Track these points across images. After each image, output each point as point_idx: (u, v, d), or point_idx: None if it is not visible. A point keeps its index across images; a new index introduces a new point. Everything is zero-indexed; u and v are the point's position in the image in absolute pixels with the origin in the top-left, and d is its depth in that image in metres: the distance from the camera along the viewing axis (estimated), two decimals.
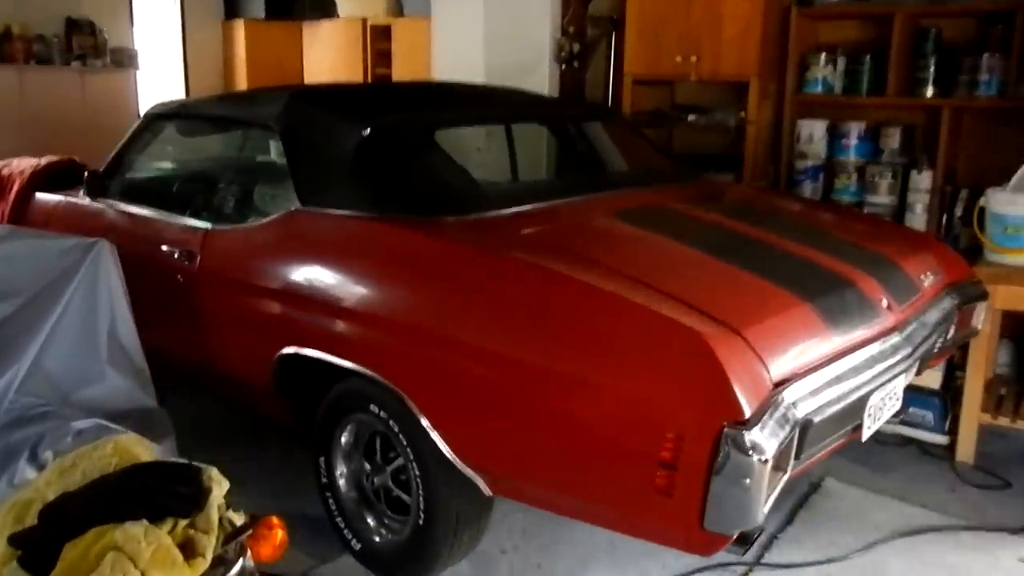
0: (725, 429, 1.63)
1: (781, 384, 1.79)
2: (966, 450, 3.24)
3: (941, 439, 3.37)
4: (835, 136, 4.11)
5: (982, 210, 3.27)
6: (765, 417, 1.68)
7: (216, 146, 3.30)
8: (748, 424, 1.63)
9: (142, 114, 3.34)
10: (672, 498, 1.70)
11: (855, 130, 4.06)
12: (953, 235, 3.69)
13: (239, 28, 6.34)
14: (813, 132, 4.13)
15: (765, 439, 1.64)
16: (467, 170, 2.52)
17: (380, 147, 2.49)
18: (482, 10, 4.70)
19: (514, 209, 2.40)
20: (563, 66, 4.85)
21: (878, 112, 4.07)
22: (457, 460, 2.07)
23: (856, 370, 2.02)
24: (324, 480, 2.51)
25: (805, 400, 1.83)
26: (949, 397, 3.35)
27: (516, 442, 1.98)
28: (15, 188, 3.79)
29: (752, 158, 4.14)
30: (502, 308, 2.02)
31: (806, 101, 4.15)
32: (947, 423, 3.37)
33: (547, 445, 1.93)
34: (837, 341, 2.01)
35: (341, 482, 2.48)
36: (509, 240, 2.22)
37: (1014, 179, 3.26)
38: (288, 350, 2.42)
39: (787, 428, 1.72)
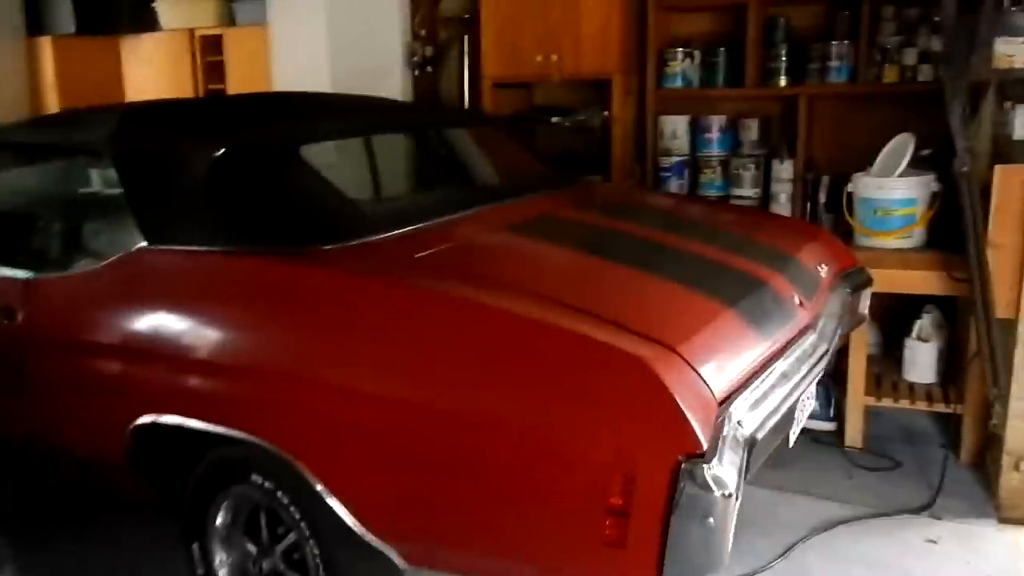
0: (682, 464, 1.46)
1: (723, 403, 1.64)
2: (854, 435, 3.29)
3: (829, 426, 3.41)
4: (697, 130, 4.12)
5: (850, 195, 3.32)
6: (720, 444, 1.52)
7: (31, 180, 2.81)
8: (706, 455, 1.47)
9: None
10: (626, 549, 1.51)
11: (716, 123, 4.08)
12: (817, 222, 3.75)
13: (46, 46, 5.63)
14: (676, 127, 4.12)
15: (725, 470, 1.49)
16: (340, 190, 2.23)
17: (237, 169, 2.16)
18: (325, 15, 4.39)
19: (397, 231, 2.14)
20: (416, 71, 4.62)
21: (737, 104, 4.11)
22: (363, 530, 1.79)
23: (786, 376, 1.92)
24: (200, 572, 2.14)
25: (747, 416, 1.69)
26: (831, 383, 3.39)
27: (431, 503, 1.73)
28: None
29: (620, 157, 4.06)
30: (401, 346, 1.76)
31: (667, 96, 4.12)
32: (831, 409, 3.41)
33: (468, 503, 1.69)
34: (764, 347, 1.90)
35: (222, 573, 2.13)
36: (400, 266, 1.96)
37: (877, 162, 3.33)
38: (143, 420, 2.05)
39: (740, 452, 1.58)
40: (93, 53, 5.74)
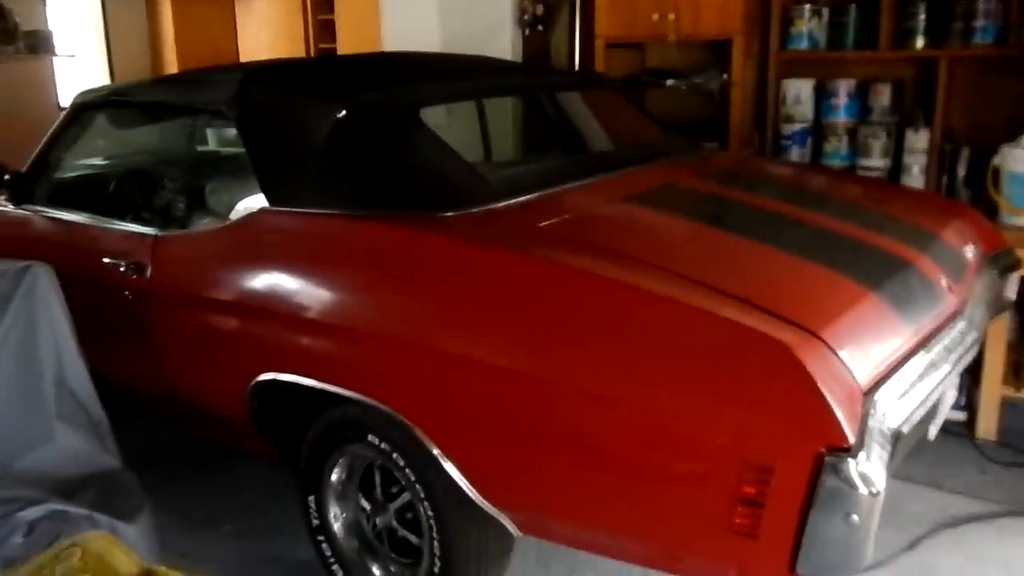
0: (825, 457, 1.37)
1: (868, 393, 1.53)
2: (988, 427, 3.08)
3: (959, 415, 3.20)
4: (823, 96, 3.88)
5: (996, 169, 3.07)
6: (866, 438, 1.42)
7: (159, 138, 2.89)
8: (852, 449, 1.37)
9: (67, 104, 2.90)
10: (757, 540, 1.44)
11: (844, 88, 3.83)
12: (956, 198, 3.50)
13: (165, 6, 5.80)
14: (800, 92, 3.90)
15: (872, 466, 1.39)
16: (461, 155, 2.18)
17: (360, 131, 2.14)
18: None
19: (518, 199, 2.08)
20: (526, 31, 4.51)
21: (867, 67, 3.85)
22: (479, 498, 1.78)
23: (934, 365, 1.79)
24: (315, 523, 2.18)
25: (893, 408, 1.58)
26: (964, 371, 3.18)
27: (552, 476, 1.69)
28: None
29: (738, 124, 3.88)
30: (525, 317, 1.71)
31: (791, 59, 3.90)
32: (963, 398, 3.20)
33: (589, 478, 1.64)
34: (910, 334, 1.77)
35: (336, 526, 2.16)
36: (524, 236, 1.91)
37: None
38: (264, 377, 2.08)
39: (887, 446, 1.47)
40: (209, 13, 5.88)
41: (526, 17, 4.48)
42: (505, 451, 1.75)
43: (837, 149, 3.86)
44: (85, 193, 2.87)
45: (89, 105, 2.83)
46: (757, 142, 3.98)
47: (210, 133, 2.61)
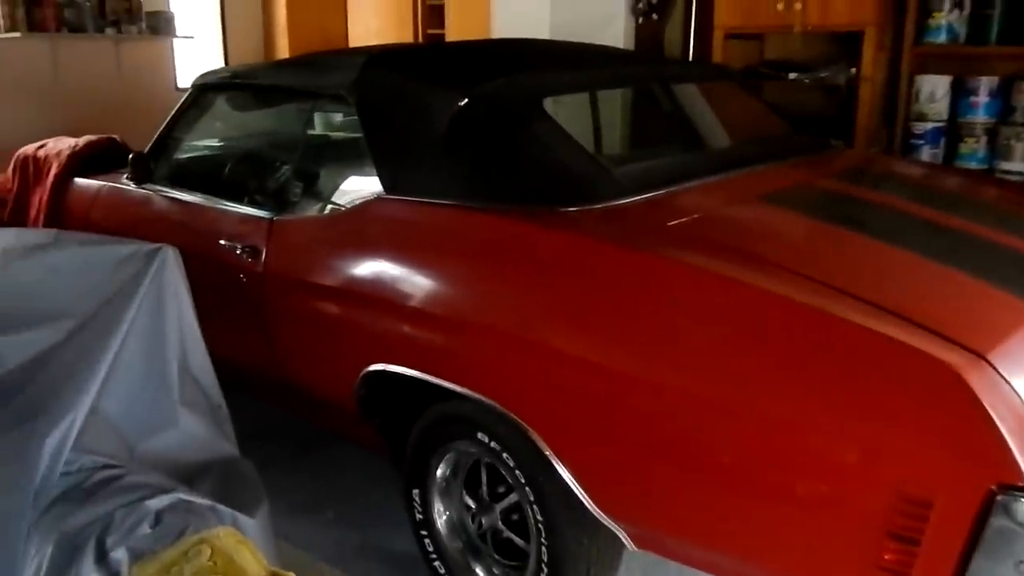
0: (997, 496, 1.23)
1: None
2: None
3: None
4: (960, 93, 3.63)
5: None
6: None
7: (277, 121, 2.90)
8: None
9: (189, 85, 2.95)
10: None
11: (985, 85, 3.56)
12: None
13: None
14: (935, 89, 3.65)
15: None
16: (585, 148, 2.10)
17: (481, 120, 2.08)
18: None
19: (645, 195, 1.98)
20: (640, 19, 4.38)
21: (1011, 64, 3.57)
22: (593, 506, 1.70)
23: None
24: (419, 517, 2.15)
25: None
26: None
27: (677, 493, 1.60)
28: (52, 173, 3.45)
29: (866, 121, 3.67)
30: (653, 323, 1.62)
31: (927, 53, 3.65)
32: None
33: (716, 498, 1.55)
34: None
35: (439, 522, 2.12)
36: (652, 235, 1.81)
37: None
38: (374, 367, 2.05)
39: None
40: None
41: (640, 5, 4.36)
42: (623, 459, 1.67)
43: (974, 150, 3.60)
44: (204, 174, 2.91)
45: (211, 86, 2.86)
46: (885, 141, 3.75)
47: (331, 118, 2.59)
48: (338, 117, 2.53)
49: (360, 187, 2.33)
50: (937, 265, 1.74)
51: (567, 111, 2.50)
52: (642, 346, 1.61)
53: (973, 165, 3.61)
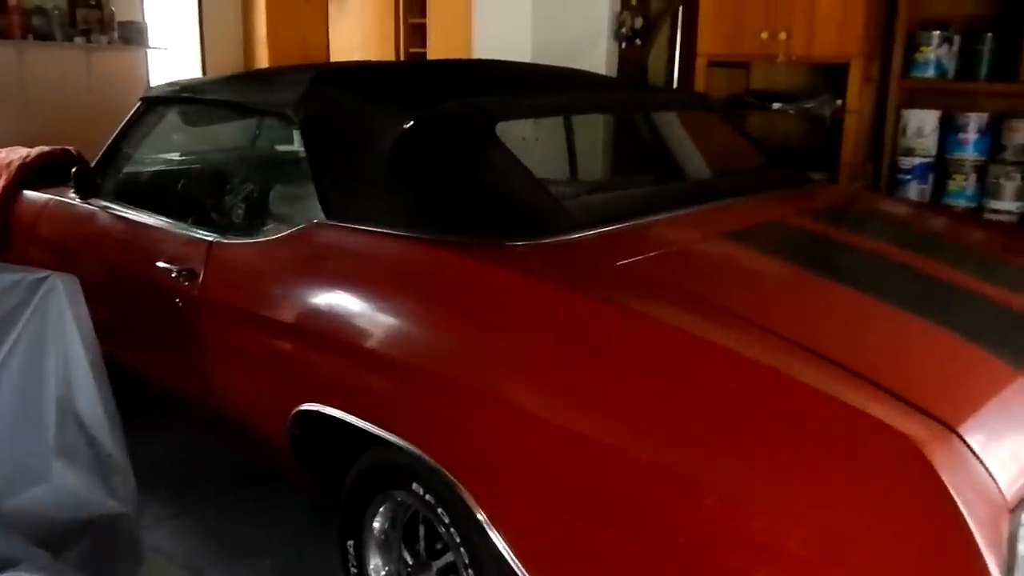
0: None
1: (1016, 510, 1.22)
2: None
3: None
4: (949, 129, 3.51)
5: None
6: (1016, 570, 1.11)
7: (224, 138, 2.76)
8: None
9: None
10: None
11: (974, 122, 3.45)
12: None
13: (259, 3, 5.80)
14: (923, 124, 3.54)
15: None
16: (536, 177, 1.95)
17: (427, 145, 1.93)
18: None
19: (599, 229, 1.83)
20: (623, 44, 4.27)
21: (1001, 101, 3.45)
22: (525, 574, 1.53)
23: None
24: (354, 571, 1.98)
25: None
26: None
27: (617, 566, 1.43)
28: (1, 183, 3.30)
29: (851, 154, 3.54)
30: (599, 376, 1.45)
31: (914, 87, 3.54)
32: None
33: (653, 568, 1.38)
34: None
35: None
36: (599, 274, 1.66)
37: None
38: (306, 407, 1.89)
39: None
40: (302, 11, 5.86)
41: (623, 30, 4.24)
42: (562, 527, 1.50)
43: (963, 188, 3.48)
44: (150, 191, 2.77)
45: (159, 100, 2.73)
46: (871, 175, 3.63)
47: (278, 136, 2.45)
48: (285, 135, 2.38)
49: (302, 211, 2.18)
50: (912, 318, 1.58)
51: (525, 138, 2.35)
52: (579, 398, 1.45)
53: (962, 203, 3.48)
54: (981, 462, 1.21)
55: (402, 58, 5.43)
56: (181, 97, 2.68)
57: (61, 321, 1.44)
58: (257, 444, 2.22)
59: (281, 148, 2.37)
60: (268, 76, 2.54)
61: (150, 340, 2.55)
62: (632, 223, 1.88)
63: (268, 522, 2.59)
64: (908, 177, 3.54)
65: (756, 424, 1.27)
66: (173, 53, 5.70)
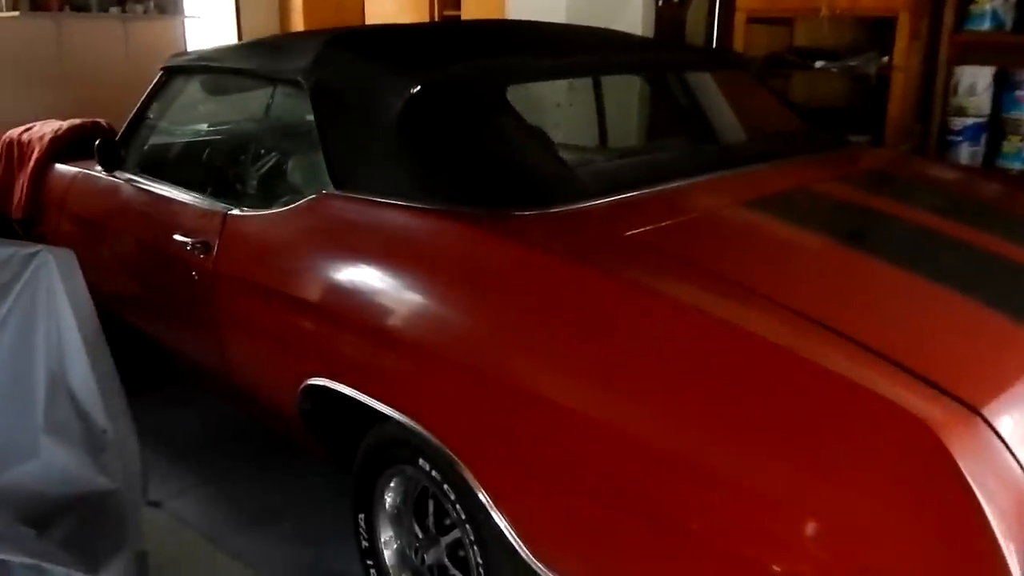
0: None
1: None
2: None
3: None
4: (1004, 86, 3.29)
5: None
6: None
7: (240, 108, 2.72)
8: None
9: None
10: None
11: None
12: None
13: None
14: (976, 81, 3.32)
15: None
16: (550, 141, 1.87)
17: (434, 110, 1.87)
18: None
19: (615, 197, 1.75)
20: (659, 2, 4.10)
21: None
22: (527, 552, 1.49)
23: None
24: (364, 544, 1.96)
25: None
26: None
27: (619, 546, 1.37)
28: (34, 157, 3.33)
29: (898, 115, 3.35)
30: (603, 353, 1.38)
31: (968, 41, 3.32)
32: None
33: (658, 551, 1.32)
34: None
35: (387, 553, 1.93)
36: (609, 246, 1.58)
37: None
38: (314, 381, 1.86)
39: None
40: None
41: None
42: (564, 506, 1.45)
43: (1019, 150, 3.27)
44: (171, 163, 2.76)
45: (178, 70, 2.71)
46: (919, 137, 3.44)
47: (292, 104, 2.40)
48: (300, 103, 2.33)
49: (314, 182, 2.14)
50: (947, 292, 1.47)
51: (560, 104, 2.26)
52: (582, 378, 1.38)
53: (1017, 166, 3.28)
54: (1008, 447, 1.12)
55: (436, 20, 5.33)
56: (200, 66, 2.65)
57: (52, 296, 1.42)
58: (271, 415, 2.21)
59: (297, 116, 2.32)
60: (284, 43, 2.48)
61: (171, 313, 2.55)
62: (648, 190, 1.80)
63: (292, 490, 2.60)
64: (959, 139, 3.34)
65: (767, 408, 1.19)
66: (209, 21, 5.70)
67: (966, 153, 3.35)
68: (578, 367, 1.40)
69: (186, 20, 5.44)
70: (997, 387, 1.20)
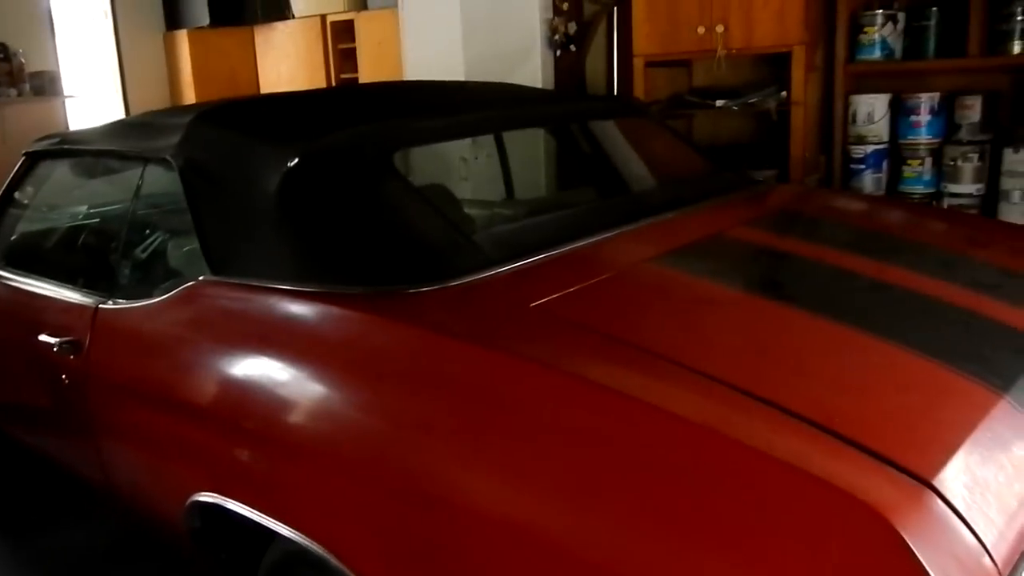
0: None
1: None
2: None
3: None
4: (900, 112, 3.34)
5: None
6: None
7: (108, 191, 2.51)
8: None
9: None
10: None
11: (926, 102, 3.28)
12: None
13: (182, 39, 5.54)
14: (873, 109, 3.37)
15: None
16: (445, 207, 1.73)
17: (314, 183, 1.71)
18: None
19: (519, 263, 1.61)
20: (558, 52, 4.07)
21: (953, 78, 3.29)
22: None
23: None
24: None
25: None
26: None
27: None
28: None
29: (800, 147, 3.35)
30: (506, 445, 1.22)
31: (861, 72, 3.37)
32: None
33: None
34: None
35: None
36: (511, 320, 1.43)
37: None
38: (200, 497, 1.64)
39: None
40: (228, 44, 5.62)
41: (557, 37, 4.04)
42: None
43: (919, 174, 3.31)
44: (37, 253, 2.52)
45: (42, 154, 2.48)
46: (823, 168, 3.45)
47: (165, 185, 2.21)
48: (172, 184, 2.14)
49: (190, 268, 1.94)
50: (875, 340, 1.37)
51: (446, 156, 2.12)
52: (498, 479, 1.21)
53: (920, 189, 3.31)
54: (964, 521, 1.00)
55: (334, 84, 5.20)
56: (64, 149, 2.44)
57: None
58: (160, 534, 1.97)
59: (168, 198, 2.12)
60: (152, 120, 2.29)
61: (46, 422, 2.29)
62: (553, 252, 1.66)
63: None
64: (862, 167, 3.37)
65: (695, 502, 1.04)
66: (94, 98, 5.43)
67: (870, 180, 3.37)
68: (493, 464, 1.23)
69: (66, 100, 5.16)
70: (944, 449, 1.08)
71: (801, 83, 3.29)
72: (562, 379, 1.23)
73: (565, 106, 2.48)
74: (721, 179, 2.33)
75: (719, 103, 3.54)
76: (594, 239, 1.75)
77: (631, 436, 1.12)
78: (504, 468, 1.20)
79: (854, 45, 3.34)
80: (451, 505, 1.23)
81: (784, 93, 3.37)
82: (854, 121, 3.38)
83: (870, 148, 3.36)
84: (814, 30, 3.37)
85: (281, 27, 5.43)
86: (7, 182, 2.56)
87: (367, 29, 4.88)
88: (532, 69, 4.06)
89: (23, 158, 2.53)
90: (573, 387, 1.22)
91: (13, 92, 4.66)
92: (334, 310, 1.52)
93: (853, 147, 3.38)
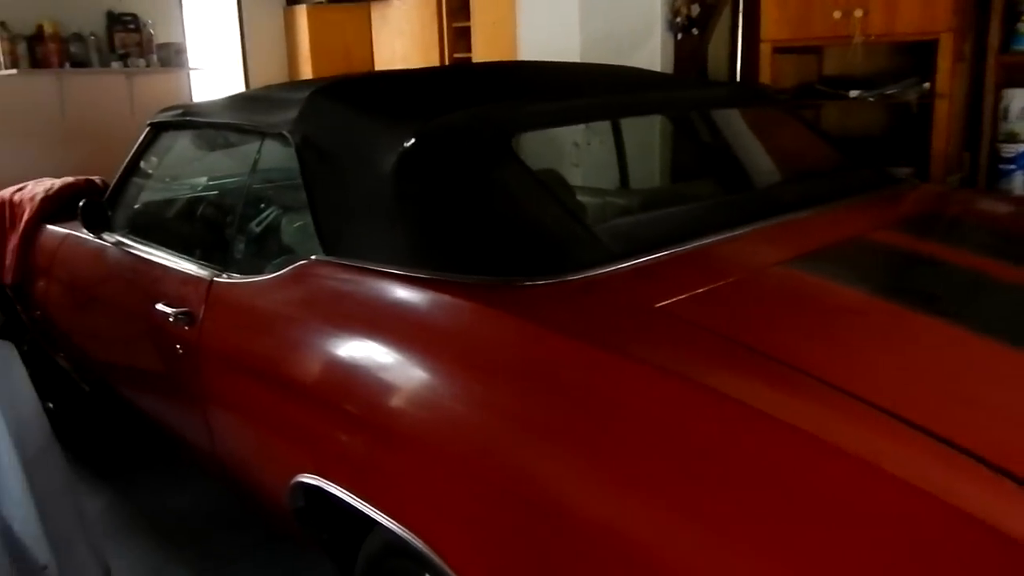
0: None
1: None
2: None
3: None
4: None
5: None
6: None
7: (227, 164, 2.53)
8: None
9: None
10: None
11: None
12: None
13: (301, 14, 5.63)
14: None
15: None
16: (564, 195, 1.64)
17: (431, 165, 1.65)
18: None
19: (637, 260, 1.51)
20: (679, 35, 3.91)
21: None
22: None
23: None
24: None
25: None
26: None
27: None
28: (24, 218, 3.17)
29: (943, 144, 3.10)
30: (625, 455, 1.13)
31: (1017, 63, 3.08)
32: None
33: None
34: None
35: None
36: (634, 322, 1.34)
37: None
38: (304, 478, 1.62)
39: None
40: (345, 21, 5.67)
41: (679, 19, 3.88)
42: None
43: None
44: (157, 223, 2.57)
45: (165, 126, 2.52)
46: (967, 167, 3.18)
47: (283, 160, 2.20)
48: (288, 160, 2.13)
49: (304, 245, 1.93)
50: None
51: (557, 141, 2.03)
52: (602, 485, 1.13)
53: None
54: None
55: (447, 63, 5.17)
56: (186, 121, 2.47)
57: None
58: (264, 508, 1.97)
59: (286, 174, 2.12)
60: (272, 94, 2.28)
61: (158, 389, 2.34)
62: (678, 248, 1.55)
63: None
64: (1012, 167, 3.09)
65: (832, 533, 0.93)
66: (217, 71, 5.58)
67: (1021, 182, 3.10)
68: (599, 471, 1.15)
69: (191, 72, 5.32)
70: None
71: (947, 74, 3.04)
72: (691, 390, 1.13)
73: (691, 92, 2.33)
74: (859, 176, 2.16)
75: (853, 93, 3.31)
76: (721, 237, 1.63)
77: (775, 459, 1.01)
78: (624, 480, 1.12)
79: (1009, 34, 3.07)
80: (567, 515, 1.15)
81: (927, 84, 3.12)
82: (1006, 117, 3.10)
83: (1023, 147, 3.08)
84: (964, 17, 3.10)
85: (397, 4, 5.44)
86: (131, 151, 2.62)
87: (482, 7, 4.82)
88: (651, 52, 3.91)
89: (147, 128, 2.58)
90: (702, 399, 1.12)
91: (142, 62, 4.83)
92: (446, 298, 1.46)
93: (1003, 145, 3.11)
